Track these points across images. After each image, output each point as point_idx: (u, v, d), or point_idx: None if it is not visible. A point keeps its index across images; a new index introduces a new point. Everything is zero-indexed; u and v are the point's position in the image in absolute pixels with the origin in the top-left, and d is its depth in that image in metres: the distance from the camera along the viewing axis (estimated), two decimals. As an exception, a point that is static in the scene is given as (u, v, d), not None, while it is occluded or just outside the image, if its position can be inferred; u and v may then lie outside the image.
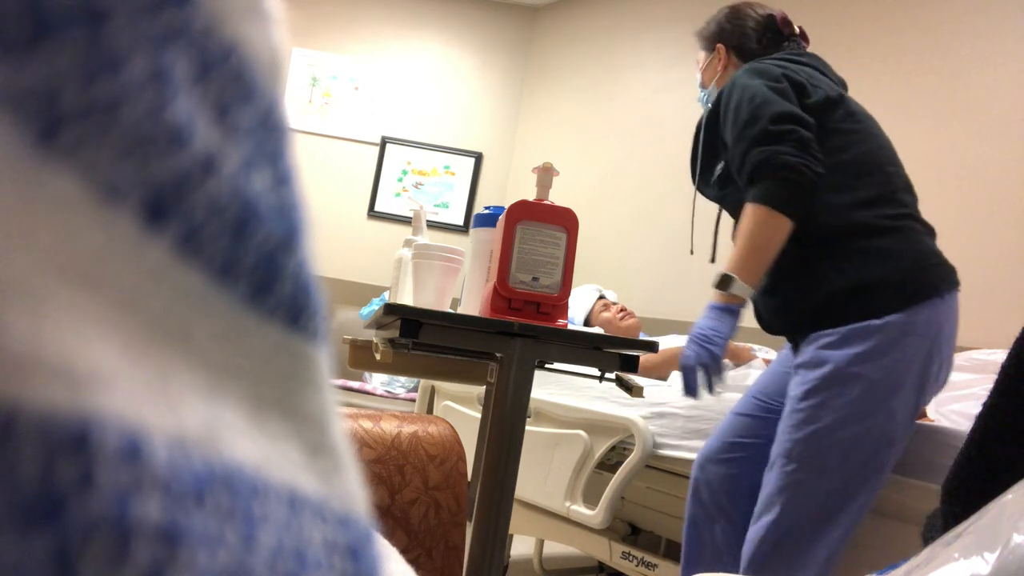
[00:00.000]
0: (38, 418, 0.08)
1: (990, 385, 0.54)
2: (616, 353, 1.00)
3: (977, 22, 2.17)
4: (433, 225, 3.63)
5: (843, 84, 1.44)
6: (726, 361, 2.02)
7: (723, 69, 1.52)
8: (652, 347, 0.97)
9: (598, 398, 1.72)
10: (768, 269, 1.24)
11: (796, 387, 1.23)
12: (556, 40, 3.66)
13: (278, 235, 0.11)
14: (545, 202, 1.00)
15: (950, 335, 1.22)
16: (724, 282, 1.24)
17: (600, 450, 1.64)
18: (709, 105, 1.53)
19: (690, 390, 1.24)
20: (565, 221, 0.98)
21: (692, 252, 1.71)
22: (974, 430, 0.49)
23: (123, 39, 0.09)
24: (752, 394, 1.42)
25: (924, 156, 2.09)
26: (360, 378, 3.06)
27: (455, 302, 1.17)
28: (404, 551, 0.73)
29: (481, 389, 1.87)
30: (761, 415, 1.39)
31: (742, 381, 1.70)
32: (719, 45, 1.52)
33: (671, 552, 1.72)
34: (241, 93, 0.11)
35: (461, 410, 1.98)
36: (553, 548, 2.34)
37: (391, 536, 0.72)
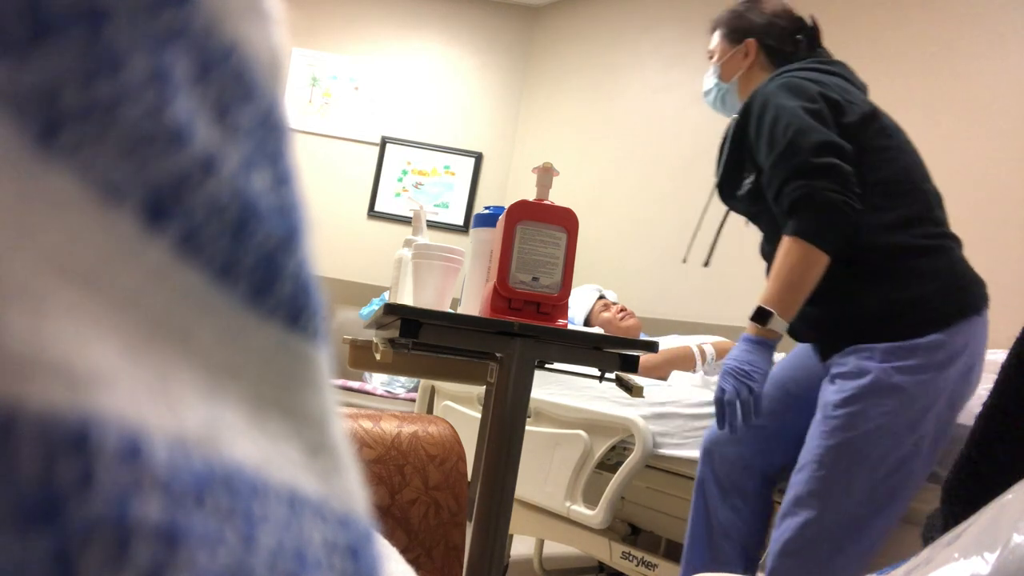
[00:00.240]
0: (38, 418, 0.08)
1: (990, 385, 0.54)
2: (616, 353, 1.00)
3: (976, 22, 2.17)
4: (433, 225, 3.63)
5: (865, 90, 1.42)
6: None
7: (749, 67, 1.46)
8: (652, 347, 0.97)
9: (598, 398, 1.72)
10: None
11: (832, 395, 1.23)
12: (556, 40, 3.66)
13: (278, 235, 0.11)
14: (545, 202, 1.00)
15: (983, 349, 1.24)
16: (761, 317, 1.25)
17: (600, 450, 1.64)
18: (717, 100, 1.50)
19: (726, 424, 1.24)
20: (565, 221, 0.98)
21: (685, 260, 1.67)
22: (974, 430, 0.49)
23: (123, 39, 0.09)
24: (769, 386, 1.41)
25: (923, 155, 2.08)
26: (360, 378, 3.06)
27: (455, 302, 1.16)
28: (404, 551, 0.73)
29: (481, 389, 1.87)
30: (777, 396, 1.38)
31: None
32: (749, 40, 1.46)
33: (671, 552, 1.72)
34: (241, 93, 0.11)
35: (461, 410, 1.98)
36: (553, 548, 2.34)
37: (391, 536, 0.72)
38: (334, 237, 3.59)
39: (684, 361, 2.00)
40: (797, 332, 1.37)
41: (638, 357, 1.01)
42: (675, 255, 2.99)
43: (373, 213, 3.66)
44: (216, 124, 0.10)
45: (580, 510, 1.63)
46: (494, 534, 0.93)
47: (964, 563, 0.25)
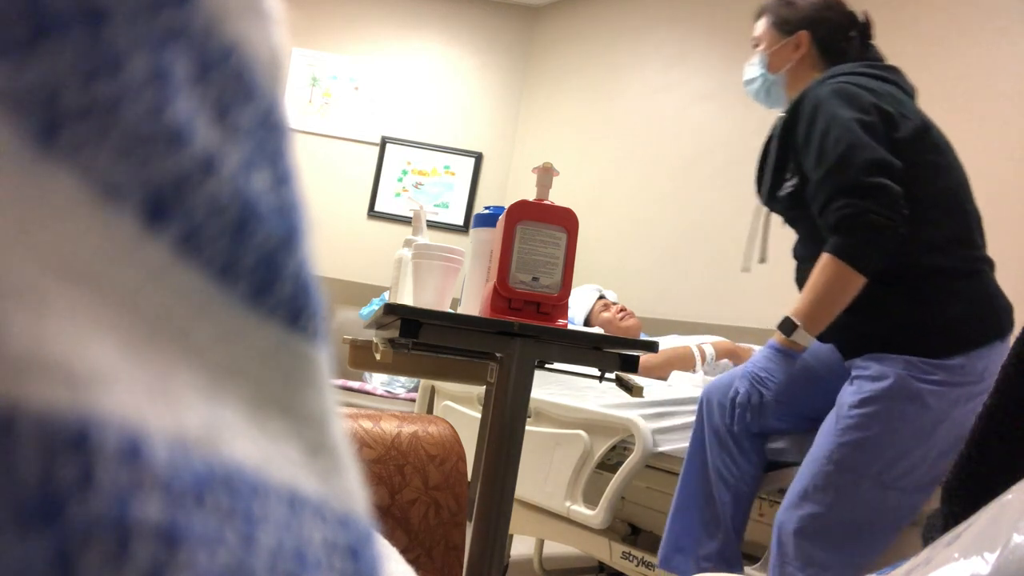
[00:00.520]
0: (38, 418, 0.08)
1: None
2: (616, 353, 1.00)
3: (972, 17, 2.17)
4: (433, 225, 3.63)
5: (915, 95, 1.39)
6: (726, 361, 2.02)
7: (799, 60, 1.42)
8: (652, 347, 0.97)
9: (598, 398, 1.72)
10: None
11: (851, 395, 1.24)
12: (556, 40, 3.66)
13: (278, 235, 0.11)
14: (545, 202, 1.00)
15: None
16: (788, 328, 1.26)
17: (600, 450, 1.64)
18: (761, 91, 1.47)
19: (733, 421, 1.28)
20: (565, 221, 0.98)
21: (749, 269, 1.59)
22: (974, 430, 0.49)
23: (123, 39, 0.09)
24: (797, 369, 1.41)
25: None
26: (360, 378, 3.06)
27: (455, 302, 1.17)
28: (404, 551, 0.73)
29: (481, 389, 1.87)
30: (795, 373, 1.38)
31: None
32: (802, 33, 1.41)
33: (671, 552, 1.72)
34: (241, 93, 0.11)
35: (461, 410, 1.98)
36: (553, 548, 2.34)
37: (391, 536, 0.72)
38: (334, 237, 3.59)
39: (684, 361, 2.00)
40: (823, 334, 1.37)
41: (638, 357, 1.01)
42: (675, 255, 2.99)
43: (373, 213, 3.66)
44: (216, 124, 0.10)
45: (580, 510, 1.63)
46: (494, 534, 0.93)
47: (964, 563, 0.25)
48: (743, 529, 1.38)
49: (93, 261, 0.09)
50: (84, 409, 0.08)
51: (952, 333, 1.21)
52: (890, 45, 1.78)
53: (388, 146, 3.68)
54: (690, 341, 2.09)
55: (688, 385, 1.79)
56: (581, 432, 1.67)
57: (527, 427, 1.57)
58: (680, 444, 1.58)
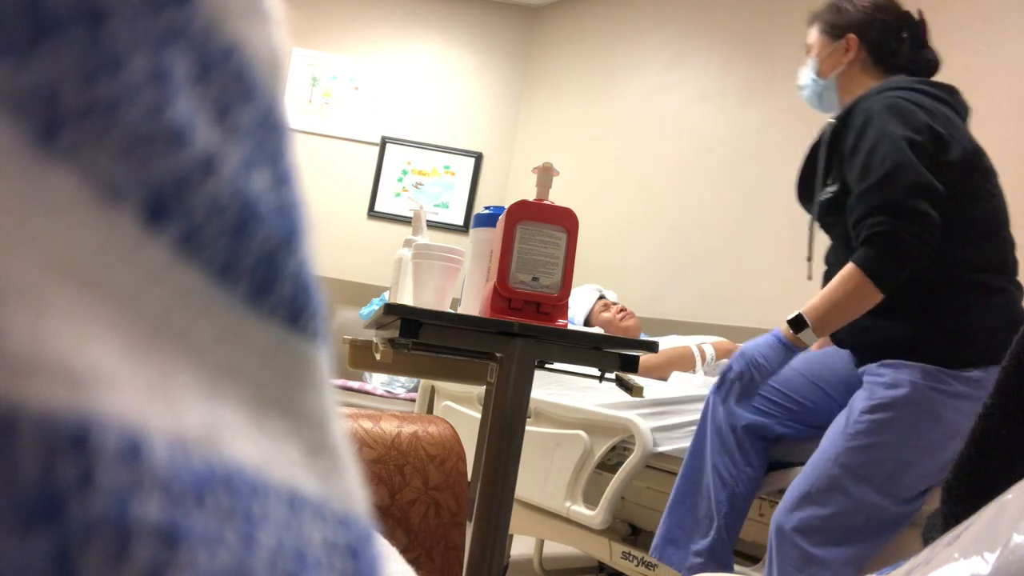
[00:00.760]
0: (38, 418, 0.08)
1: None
2: (616, 353, 1.00)
3: (970, 18, 2.17)
4: (433, 225, 3.63)
5: (968, 115, 1.38)
6: (726, 361, 2.02)
7: (849, 64, 1.41)
8: (652, 347, 0.97)
9: (598, 398, 1.72)
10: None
11: (863, 400, 1.25)
12: (556, 40, 3.66)
13: (278, 235, 0.11)
14: (545, 202, 1.00)
15: None
16: (798, 324, 1.27)
17: (600, 450, 1.64)
18: (813, 96, 1.46)
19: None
20: (565, 221, 0.98)
21: (810, 278, 1.56)
22: (974, 430, 0.49)
23: (123, 39, 0.09)
24: (800, 371, 1.42)
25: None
26: (360, 378, 3.06)
27: (455, 302, 1.17)
28: (404, 551, 0.73)
29: (481, 389, 1.87)
30: (803, 383, 1.39)
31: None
32: (851, 36, 1.40)
33: (671, 552, 1.72)
34: (241, 93, 0.11)
35: (461, 410, 1.98)
36: (553, 548, 2.34)
37: (391, 536, 0.72)
38: (334, 237, 3.59)
39: (684, 361, 2.00)
40: (839, 336, 1.38)
41: (638, 357, 1.01)
42: (675, 255, 2.99)
43: (373, 213, 3.66)
44: (216, 124, 0.10)
45: (580, 510, 1.63)
46: (494, 534, 0.93)
47: (964, 563, 0.25)
48: (737, 529, 1.38)
49: (93, 261, 0.09)
50: (84, 409, 0.08)
51: (974, 345, 1.21)
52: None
53: (388, 146, 3.68)
54: (690, 341, 2.09)
55: (688, 385, 1.79)
56: (581, 432, 1.67)
57: (527, 427, 1.57)
58: (680, 444, 1.58)
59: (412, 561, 0.73)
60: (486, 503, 0.94)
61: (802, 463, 1.34)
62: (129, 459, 0.08)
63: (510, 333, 0.93)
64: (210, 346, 0.11)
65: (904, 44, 1.39)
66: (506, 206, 1.00)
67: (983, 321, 1.22)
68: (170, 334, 0.10)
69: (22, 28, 0.08)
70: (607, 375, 1.04)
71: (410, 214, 3.51)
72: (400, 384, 3.02)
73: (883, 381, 1.24)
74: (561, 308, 0.97)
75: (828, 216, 1.39)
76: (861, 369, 1.32)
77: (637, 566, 1.60)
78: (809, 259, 1.51)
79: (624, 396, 1.61)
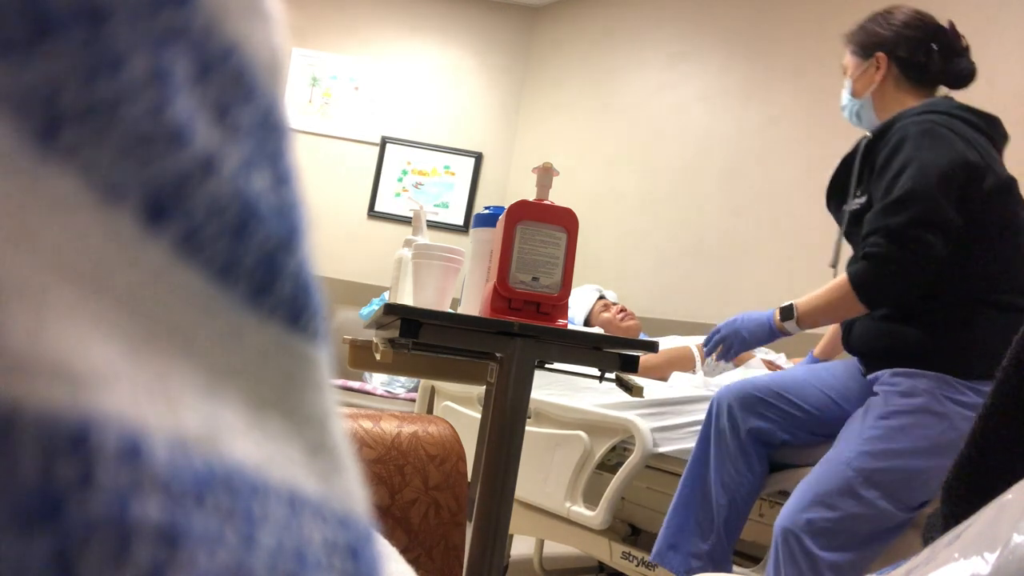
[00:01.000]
0: (38, 418, 0.08)
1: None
2: (616, 353, 1.00)
3: (968, 18, 2.17)
4: (433, 225, 3.63)
5: (1007, 141, 1.39)
6: (725, 363, 2.03)
7: (881, 81, 1.43)
8: (652, 347, 0.97)
9: (598, 398, 1.72)
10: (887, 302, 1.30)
11: (879, 406, 1.26)
12: (556, 40, 3.66)
13: (278, 235, 0.11)
14: (545, 202, 1.00)
15: None
16: (786, 314, 1.36)
17: (600, 451, 1.64)
18: (852, 115, 1.49)
19: (707, 348, 1.44)
20: (565, 221, 0.98)
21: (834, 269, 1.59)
22: (974, 430, 0.49)
23: (123, 39, 0.09)
24: (809, 379, 1.43)
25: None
26: (360, 378, 3.06)
27: (455, 302, 1.17)
28: (404, 551, 0.73)
29: (481, 389, 1.87)
30: (813, 394, 1.41)
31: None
32: (879, 54, 1.42)
33: (671, 552, 1.72)
34: (241, 93, 0.11)
35: (461, 410, 1.98)
36: (553, 548, 2.34)
37: (391, 536, 0.72)
38: (334, 237, 3.59)
39: (684, 361, 2.00)
40: (851, 339, 1.39)
41: (638, 357, 1.01)
42: (675, 255, 2.99)
43: (373, 213, 3.66)
44: (216, 124, 0.10)
45: (580, 511, 1.63)
46: (494, 534, 0.93)
47: (964, 563, 0.25)
48: (736, 534, 1.38)
49: (93, 261, 0.09)
50: (84, 409, 0.08)
51: (993, 357, 1.22)
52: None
53: (388, 146, 3.68)
54: (690, 341, 2.09)
55: (688, 385, 1.79)
56: (581, 433, 1.67)
57: (527, 427, 1.57)
58: (680, 445, 1.58)
59: (412, 561, 0.73)
60: (486, 503, 0.94)
61: (803, 465, 1.34)
62: (129, 459, 0.08)
63: (510, 333, 0.93)
64: (210, 346, 0.11)
65: (934, 57, 1.40)
66: (506, 206, 1.00)
67: (1001, 336, 1.23)
68: (170, 334, 0.10)
69: (22, 28, 0.08)
70: (607, 375, 1.04)
71: (410, 214, 3.50)
72: (400, 384, 3.02)
73: (899, 389, 1.26)
74: (561, 308, 0.97)
75: (854, 227, 1.41)
76: (871, 377, 1.33)
77: (637, 566, 1.60)
78: (833, 266, 1.54)
79: (624, 396, 1.62)
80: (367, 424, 0.76)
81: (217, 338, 0.11)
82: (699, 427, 1.57)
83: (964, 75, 1.41)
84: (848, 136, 1.55)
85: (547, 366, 1.22)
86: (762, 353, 2.06)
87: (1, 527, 0.07)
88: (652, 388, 1.70)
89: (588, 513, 1.60)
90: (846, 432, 1.29)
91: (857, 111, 1.48)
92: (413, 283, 1.09)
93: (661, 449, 1.58)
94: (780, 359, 2.07)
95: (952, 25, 1.42)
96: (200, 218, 0.10)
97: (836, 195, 1.47)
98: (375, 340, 1.07)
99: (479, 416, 1.62)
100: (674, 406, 1.63)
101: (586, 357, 0.99)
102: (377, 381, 3.05)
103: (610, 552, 1.66)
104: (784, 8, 2.77)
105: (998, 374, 0.47)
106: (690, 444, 1.56)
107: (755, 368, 1.91)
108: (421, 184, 3.70)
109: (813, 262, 2.33)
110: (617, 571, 1.69)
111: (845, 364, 1.45)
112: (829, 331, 1.68)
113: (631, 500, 1.76)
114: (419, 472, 0.75)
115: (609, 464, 1.69)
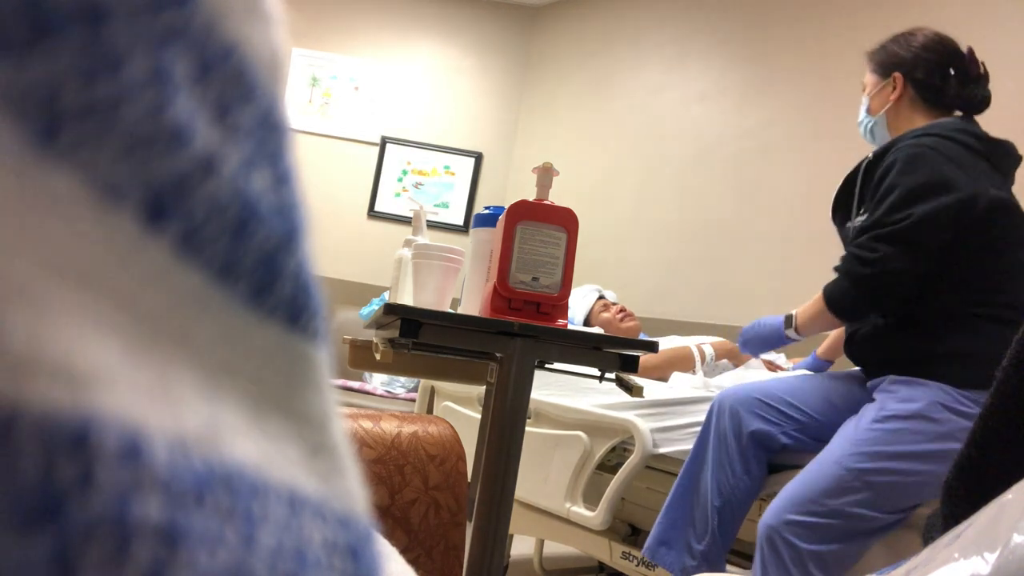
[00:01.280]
0: (38, 418, 0.08)
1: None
2: (616, 353, 1.00)
3: (968, 18, 2.17)
4: (433, 225, 3.63)
5: (1016, 164, 1.41)
6: (726, 361, 2.03)
7: (896, 101, 1.45)
8: (652, 347, 0.97)
9: (598, 399, 1.72)
10: (888, 309, 1.35)
11: (875, 410, 1.28)
12: (556, 40, 3.66)
13: (278, 235, 0.11)
14: (545, 202, 1.00)
15: None
16: (787, 323, 1.47)
17: (600, 451, 1.64)
18: (867, 132, 1.52)
19: (745, 350, 1.60)
20: (565, 221, 0.98)
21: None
22: (974, 430, 0.49)
23: (123, 39, 0.09)
24: (813, 385, 1.47)
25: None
26: (360, 378, 3.06)
27: (455, 302, 1.16)
28: (404, 551, 0.73)
29: (481, 389, 1.87)
30: (816, 403, 1.43)
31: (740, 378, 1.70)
32: (896, 75, 1.45)
33: (671, 552, 1.72)
34: (241, 93, 0.11)
35: (461, 410, 1.98)
36: (553, 548, 2.34)
37: (391, 536, 0.72)
38: (334, 237, 3.59)
39: (684, 361, 2.00)
40: (854, 348, 1.42)
41: (638, 357, 1.01)
42: (675, 255, 2.99)
43: (373, 213, 3.66)
44: (216, 124, 0.10)
45: (580, 511, 1.63)
46: (494, 534, 0.93)
47: (964, 563, 0.25)
48: (732, 535, 1.39)
49: (93, 261, 0.09)
50: (84, 409, 0.08)
51: (991, 369, 1.23)
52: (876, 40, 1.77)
53: (388, 146, 3.68)
54: (690, 341, 2.09)
55: (688, 386, 1.79)
56: (581, 433, 1.67)
57: (527, 427, 1.57)
58: (680, 446, 1.58)
59: (412, 561, 0.73)
60: (486, 503, 0.94)
61: (803, 466, 1.34)
62: (129, 459, 0.08)
63: (510, 333, 0.93)
64: (210, 346, 0.11)
65: (950, 81, 1.42)
66: (506, 206, 1.00)
67: (1000, 348, 1.24)
68: (170, 334, 0.10)
69: (22, 28, 0.08)
70: (607, 375, 1.04)
71: (410, 214, 3.50)
72: (400, 384, 3.02)
73: (897, 395, 1.27)
74: (561, 308, 0.97)
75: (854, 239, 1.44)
76: (872, 383, 1.34)
77: (637, 566, 1.60)
78: None
79: (624, 397, 1.62)
80: (367, 424, 0.76)
81: (217, 338, 0.11)
82: (699, 428, 1.57)
83: (977, 102, 1.43)
84: (848, 137, 1.56)
85: (547, 366, 1.22)
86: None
87: (1, 527, 0.07)
88: (652, 388, 1.70)
89: (588, 513, 1.60)
90: (839, 434, 1.30)
91: (871, 128, 1.51)
92: (413, 283, 1.09)
93: (661, 450, 1.58)
94: (780, 359, 2.07)
95: (971, 51, 1.44)
96: (200, 218, 0.10)
97: (840, 211, 1.50)
98: (375, 340, 1.07)
99: (479, 416, 1.62)
100: (674, 407, 1.63)
101: (586, 357, 0.99)
102: (377, 381, 3.05)
103: (610, 552, 1.66)
104: (784, 9, 2.77)
105: (998, 374, 0.47)
106: (690, 445, 1.56)
107: (755, 368, 1.91)
108: (421, 184, 3.70)
109: (813, 262, 2.33)
110: (617, 571, 1.69)
111: (849, 372, 1.47)
112: (833, 332, 1.69)
113: (631, 500, 1.76)
114: (419, 472, 0.75)
115: (609, 464, 1.69)
